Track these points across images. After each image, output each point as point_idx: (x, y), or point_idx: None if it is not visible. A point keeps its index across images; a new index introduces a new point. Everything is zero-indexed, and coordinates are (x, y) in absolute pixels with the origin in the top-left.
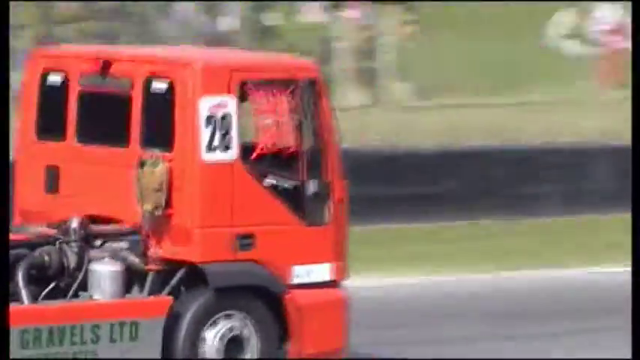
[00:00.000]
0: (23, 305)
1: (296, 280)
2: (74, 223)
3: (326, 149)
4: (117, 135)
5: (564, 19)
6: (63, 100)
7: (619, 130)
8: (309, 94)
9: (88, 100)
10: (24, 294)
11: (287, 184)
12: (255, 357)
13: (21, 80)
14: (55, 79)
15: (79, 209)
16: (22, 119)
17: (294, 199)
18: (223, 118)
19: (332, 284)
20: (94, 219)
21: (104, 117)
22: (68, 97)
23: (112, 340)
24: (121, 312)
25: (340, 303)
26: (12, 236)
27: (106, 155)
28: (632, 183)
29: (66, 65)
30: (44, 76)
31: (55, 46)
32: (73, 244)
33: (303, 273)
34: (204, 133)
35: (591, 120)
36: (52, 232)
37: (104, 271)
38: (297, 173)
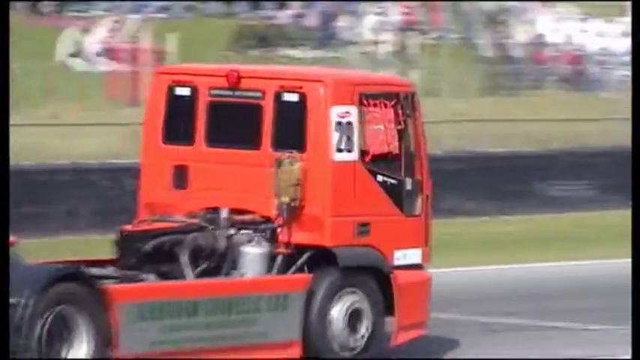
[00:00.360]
0: (195, 280)
1: (396, 263)
2: (224, 214)
3: (418, 153)
4: (247, 139)
5: (69, 38)
6: (191, 110)
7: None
8: (407, 106)
9: (217, 109)
10: (189, 272)
11: (392, 180)
12: (370, 328)
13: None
14: (182, 92)
15: (206, 203)
16: (146, 126)
17: (396, 193)
18: (348, 124)
19: (419, 267)
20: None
21: (234, 124)
22: (197, 107)
23: (269, 310)
24: (274, 287)
25: (427, 283)
26: (160, 225)
27: (236, 156)
28: (632, 183)
29: (194, 80)
30: (170, 90)
31: (179, 65)
32: (223, 231)
33: (401, 256)
34: (334, 137)
35: (94, 138)
36: (195, 221)
37: (254, 252)
38: (398, 172)
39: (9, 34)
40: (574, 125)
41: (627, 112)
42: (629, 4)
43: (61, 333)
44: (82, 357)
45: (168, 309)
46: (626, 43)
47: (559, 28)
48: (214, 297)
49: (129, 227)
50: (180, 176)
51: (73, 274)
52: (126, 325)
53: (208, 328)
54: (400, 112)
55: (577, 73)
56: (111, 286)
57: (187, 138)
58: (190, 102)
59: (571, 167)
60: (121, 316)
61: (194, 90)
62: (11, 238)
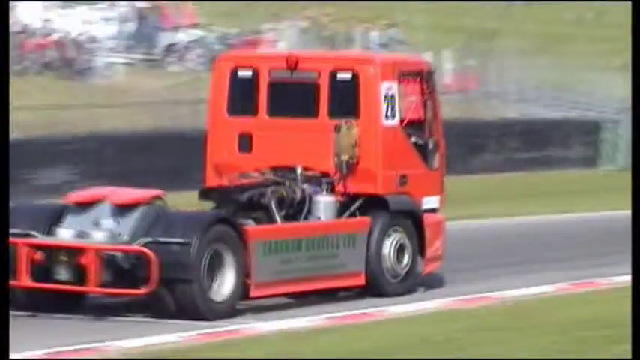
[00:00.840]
0: (285, 224)
1: (423, 207)
2: (299, 170)
3: (436, 118)
4: (306, 110)
5: None
6: (253, 88)
7: None
8: (429, 80)
9: (277, 87)
10: (278, 217)
11: (420, 141)
12: (410, 259)
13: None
14: (244, 73)
15: (269, 164)
16: (212, 103)
17: (422, 151)
18: (392, 96)
19: (435, 211)
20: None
21: (292, 98)
22: (259, 85)
23: (344, 246)
24: (347, 228)
25: (444, 223)
26: (245, 180)
27: (295, 124)
28: (632, 177)
29: (255, 63)
30: (234, 72)
31: (241, 51)
32: (299, 184)
33: (426, 202)
34: (383, 107)
35: None
36: (273, 177)
37: (325, 201)
38: (424, 134)
39: (9, 33)
40: (56, 112)
41: (110, 97)
42: None
43: (214, 268)
44: (228, 287)
45: (284, 245)
46: (111, 29)
47: (43, 16)
48: (311, 236)
49: (222, 183)
50: (245, 142)
51: (224, 218)
52: (257, 258)
53: (308, 260)
54: (425, 85)
55: (64, 60)
56: (249, 227)
57: (250, 111)
58: (252, 82)
59: (56, 154)
60: (254, 252)
61: (255, 72)
62: (159, 192)
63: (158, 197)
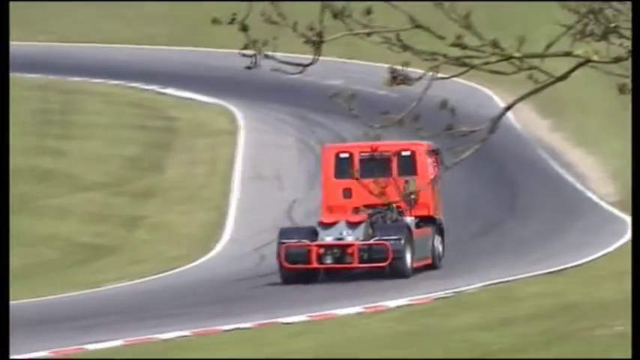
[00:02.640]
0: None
1: None
2: (392, 206)
3: (436, 177)
4: (384, 172)
5: None
6: (350, 163)
7: None
8: (438, 155)
9: (365, 161)
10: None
11: (437, 187)
12: (441, 250)
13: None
14: (344, 155)
15: (362, 203)
16: (324, 173)
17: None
18: (432, 164)
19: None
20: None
21: (376, 167)
22: (353, 161)
23: (425, 243)
24: (425, 233)
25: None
26: (358, 215)
27: (377, 182)
28: (632, 183)
29: (350, 150)
30: (337, 155)
31: (341, 144)
32: (394, 213)
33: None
34: (429, 169)
35: None
36: (369, 212)
37: (410, 220)
38: (437, 184)
39: (9, 34)
40: None
41: None
42: None
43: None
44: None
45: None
46: None
47: None
48: (421, 236)
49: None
50: (347, 192)
51: (408, 225)
52: (418, 245)
53: (419, 249)
54: (436, 157)
55: None
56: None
57: (349, 176)
58: (349, 160)
59: None
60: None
61: (351, 154)
62: (365, 215)
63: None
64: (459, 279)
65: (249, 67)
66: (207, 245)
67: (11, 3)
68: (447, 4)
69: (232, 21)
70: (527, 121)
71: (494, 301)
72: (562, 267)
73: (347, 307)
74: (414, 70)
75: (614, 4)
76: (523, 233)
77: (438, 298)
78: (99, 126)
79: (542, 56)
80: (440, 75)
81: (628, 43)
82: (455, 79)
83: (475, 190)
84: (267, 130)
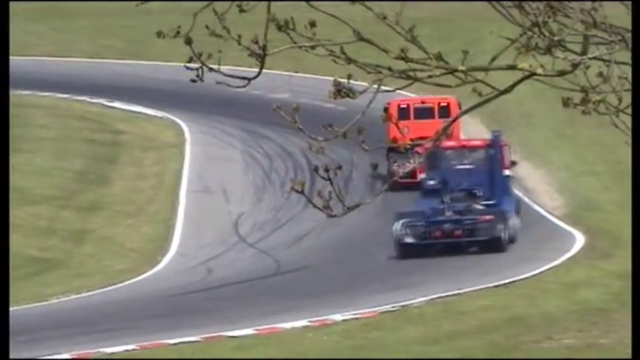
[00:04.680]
0: None
1: None
2: None
3: None
4: (430, 115)
5: None
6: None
7: None
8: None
9: (417, 110)
10: None
11: None
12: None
13: None
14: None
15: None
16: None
17: None
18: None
19: None
20: None
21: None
22: (409, 109)
23: None
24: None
25: None
26: None
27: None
28: (632, 182)
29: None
30: (399, 105)
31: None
32: None
33: None
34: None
35: None
36: None
37: None
38: None
39: (9, 34)
40: None
41: None
42: None
43: None
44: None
45: None
46: None
47: None
48: None
49: None
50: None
51: None
52: None
53: None
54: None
55: None
56: None
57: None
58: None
59: None
60: None
61: (408, 105)
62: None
63: None
64: (404, 292)
65: (194, 80)
66: (153, 259)
67: None
68: (391, 17)
69: (177, 34)
70: (474, 133)
71: (440, 314)
72: (509, 280)
73: (293, 320)
74: (359, 83)
75: (559, 18)
76: (469, 246)
77: (384, 312)
78: (45, 139)
79: (486, 69)
80: (384, 88)
81: (573, 57)
82: (400, 91)
83: None
84: (213, 143)
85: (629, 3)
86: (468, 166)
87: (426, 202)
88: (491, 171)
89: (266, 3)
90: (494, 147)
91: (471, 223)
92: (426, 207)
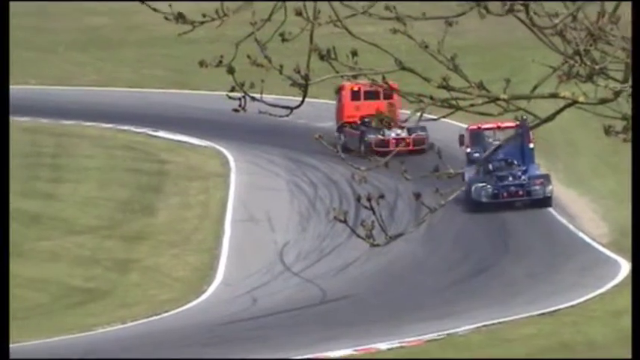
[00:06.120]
0: None
1: None
2: None
3: None
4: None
5: None
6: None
7: None
8: None
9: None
10: None
11: None
12: None
13: None
14: (355, 89)
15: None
16: (345, 98)
17: None
18: None
19: None
20: None
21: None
22: (360, 92)
23: None
24: None
25: None
26: None
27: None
28: (632, 181)
29: (359, 86)
30: (352, 88)
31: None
32: None
33: None
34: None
35: None
36: None
37: None
38: None
39: (9, 34)
40: None
41: None
42: None
43: None
44: None
45: None
46: None
47: None
48: None
49: None
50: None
51: None
52: None
53: None
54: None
55: None
56: None
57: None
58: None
59: None
60: None
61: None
62: None
63: None
64: (450, 320)
65: (236, 110)
66: (199, 288)
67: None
68: (433, 46)
69: (219, 64)
70: None
71: (486, 342)
72: (554, 308)
73: (339, 349)
74: (402, 112)
75: (601, 45)
76: (515, 274)
77: (430, 340)
78: (90, 169)
79: (528, 98)
80: (427, 116)
81: (614, 84)
82: (443, 119)
83: (467, 231)
84: (258, 172)
85: None
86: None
87: (472, 168)
88: (522, 145)
89: (308, 32)
90: (522, 127)
91: (528, 186)
92: (472, 173)
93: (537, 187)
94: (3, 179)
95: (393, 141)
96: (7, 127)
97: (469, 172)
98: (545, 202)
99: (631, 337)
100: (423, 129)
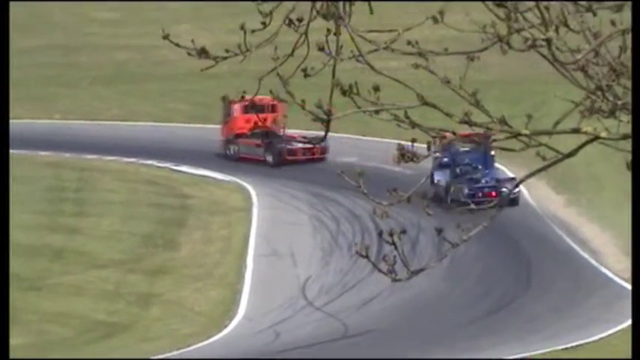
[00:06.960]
0: None
1: None
2: None
3: None
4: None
5: None
6: (248, 107)
7: None
8: None
9: (251, 107)
10: None
11: None
12: None
13: None
14: (246, 103)
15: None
16: (237, 111)
17: None
18: None
19: None
20: None
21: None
22: (247, 106)
23: None
24: None
25: None
26: None
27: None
28: (632, 181)
29: (249, 101)
30: (243, 104)
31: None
32: None
33: None
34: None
35: None
36: None
37: None
38: None
39: (9, 34)
40: None
41: None
42: None
43: None
44: None
45: None
46: None
47: None
48: None
49: None
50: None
51: None
52: None
53: None
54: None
55: None
56: None
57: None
58: (248, 105)
59: None
60: None
61: (252, 101)
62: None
63: None
64: (473, 355)
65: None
66: (221, 323)
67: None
68: (455, 81)
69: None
70: (541, 196)
71: None
72: (576, 343)
73: None
74: (424, 147)
75: (623, 81)
76: (538, 309)
77: None
78: (113, 203)
79: (550, 133)
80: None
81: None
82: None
83: (490, 266)
84: (280, 207)
85: None
86: (467, 149)
87: (442, 172)
88: (484, 152)
89: (331, 67)
90: (484, 136)
91: (499, 187)
92: (443, 176)
93: (506, 189)
94: (3, 179)
95: (301, 150)
96: (7, 128)
97: (438, 176)
98: (513, 202)
99: (631, 337)
100: (325, 141)
